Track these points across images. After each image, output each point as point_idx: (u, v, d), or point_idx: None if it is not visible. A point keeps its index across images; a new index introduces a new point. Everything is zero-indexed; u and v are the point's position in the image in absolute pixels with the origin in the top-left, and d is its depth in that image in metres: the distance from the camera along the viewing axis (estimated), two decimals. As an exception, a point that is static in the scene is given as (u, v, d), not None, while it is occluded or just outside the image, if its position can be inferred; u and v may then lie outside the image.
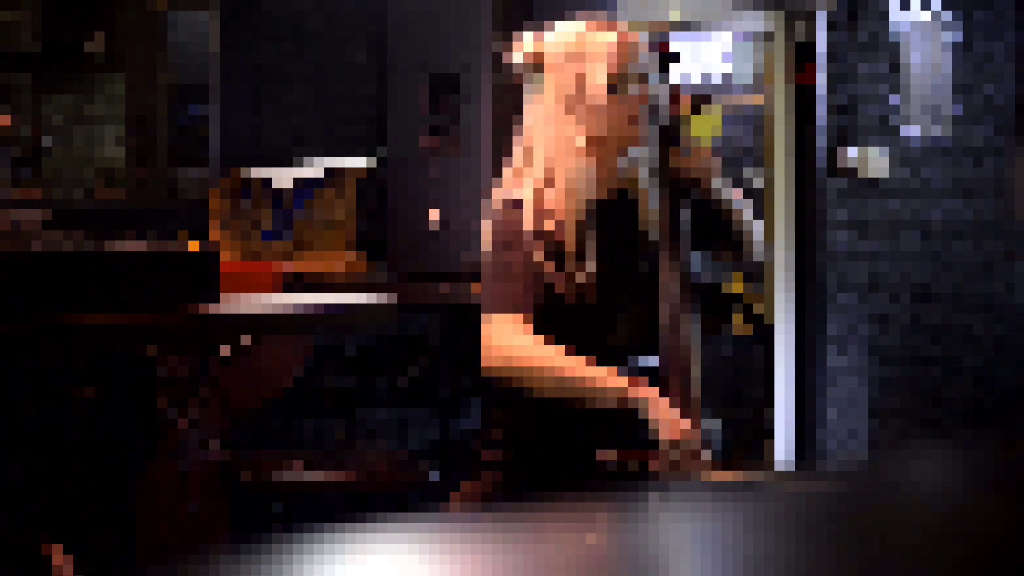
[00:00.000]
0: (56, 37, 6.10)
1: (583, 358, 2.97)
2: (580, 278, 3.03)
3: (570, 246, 3.03)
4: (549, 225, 3.04)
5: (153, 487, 3.16)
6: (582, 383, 2.96)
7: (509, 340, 2.98)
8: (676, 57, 3.09)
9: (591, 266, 3.04)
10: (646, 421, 2.93)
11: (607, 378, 2.95)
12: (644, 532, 1.04)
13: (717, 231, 3.20)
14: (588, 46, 3.04)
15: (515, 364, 2.98)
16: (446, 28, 5.13)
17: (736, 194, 3.23)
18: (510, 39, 3.21)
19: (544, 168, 3.06)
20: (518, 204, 3.04)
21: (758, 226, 3.30)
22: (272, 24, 5.56)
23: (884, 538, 0.97)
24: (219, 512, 3.29)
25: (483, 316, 3.02)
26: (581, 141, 3.04)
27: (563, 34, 3.08)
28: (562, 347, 2.98)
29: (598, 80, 3.02)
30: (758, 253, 3.33)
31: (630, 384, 2.94)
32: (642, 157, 3.14)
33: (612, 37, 3.04)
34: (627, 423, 3.00)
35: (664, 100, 3.06)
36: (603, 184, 3.09)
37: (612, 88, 3.02)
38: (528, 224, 3.03)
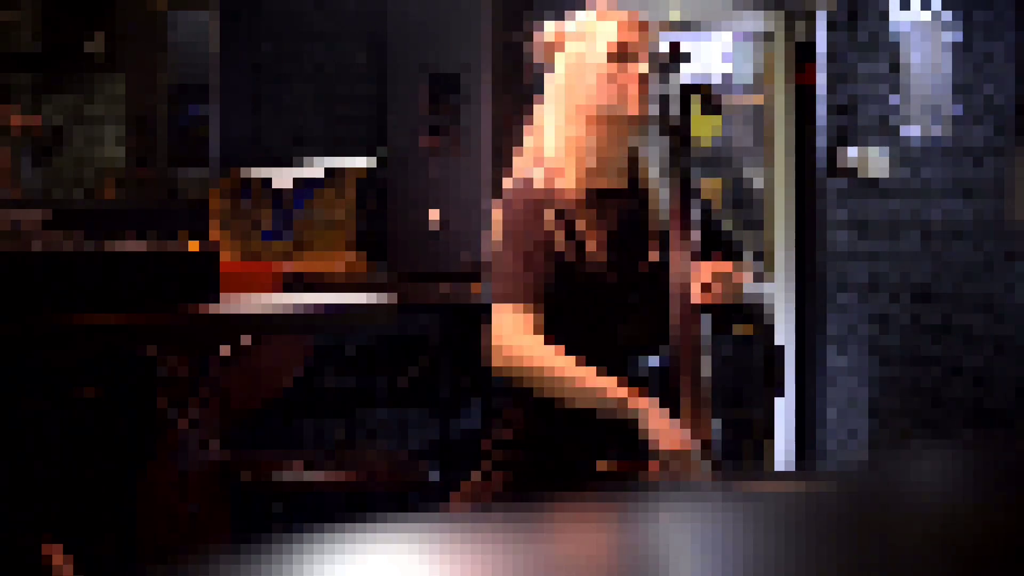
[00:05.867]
0: (56, 37, 6.10)
1: (589, 366, 2.98)
2: (591, 247, 3.04)
3: (580, 217, 3.05)
4: (559, 196, 3.06)
5: (153, 487, 3.16)
6: (583, 390, 2.98)
7: (516, 337, 2.99)
8: (687, 57, 3.10)
9: (602, 237, 3.06)
10: (644, 431, 2.94)
11: (608, 388, 2.97)
12: (644, 532, 1.04)
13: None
14: (595, 24, 3.10)
15: (520, 364, 3.00)
16: (446, 28, 5.13)
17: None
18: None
19: (554, 140, 3.10)
20: (528, 182, 3.08)
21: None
22: (272, 24, 5.56)
23: (884, 538, 0.97)
24: (219, 512, 3.29)
25: (493, 307, 3.04)
26: (585, 113, 3.08)
27: (578, 19, 3.14)
28: (567, 351, 2.99)
29: (598, 52, 3.07)
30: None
31: (630, 395, 2.96)
32: (652, 152, 3.15)
33: (619, 16, 3.09)
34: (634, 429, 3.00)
35: (674, 95, 3.07)
36: (609, 165, 3.11)
37: (612, 60, 3.06)
38: (539, 197, 3.05)
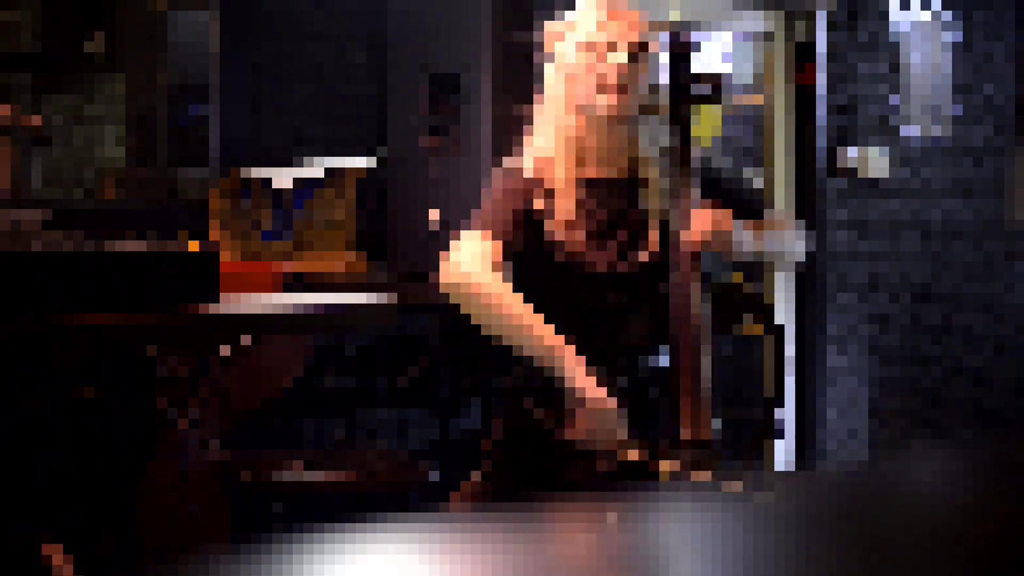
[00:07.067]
0: (56, 37, 6.10)
1: (539, 315, 2.96)
2: (579, 237, 3.04)
3: (567, 207, 3.05)
4: (547, 185, 3.07)
5: (153, 487, 3.16)
6: (519, 328, 2.95)
7: (472, 263, 2.98)
8: (695, 47, 3.10)
9: (592, 229, 3.06)
10: (569, 387, 2.94)
11: (547, 336, 2.95)
12: (644, 532, 1.04)
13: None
14: (574, 19, 3.11)
15: (470, 291, 2.98)
16: (446, 28, 5.13)
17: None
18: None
19: (544, 132, 3.12)
20: (514, 170, 3.10)
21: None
22: (272, 24, 5.56)
23: (884, 538, 0.97)
24: (219, 512, 3.30)
25: (457, 233, 3.04)
26: (570, 106, 3.09)
27: (567, 16, 3.16)
28: (520, 295, 2.98)
29: (572, 46, 3.09)
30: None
31: (566, 352, 2.94)
32: (651, 143, 3.15)
33: (595, 11, 3.09)
34: (636, 421, 3.00)
35: (674, 85, 3.06)
36: (599, 155, 3.11)
37: (582, 53, 3.07)
38: (523, 184, 3.07)
